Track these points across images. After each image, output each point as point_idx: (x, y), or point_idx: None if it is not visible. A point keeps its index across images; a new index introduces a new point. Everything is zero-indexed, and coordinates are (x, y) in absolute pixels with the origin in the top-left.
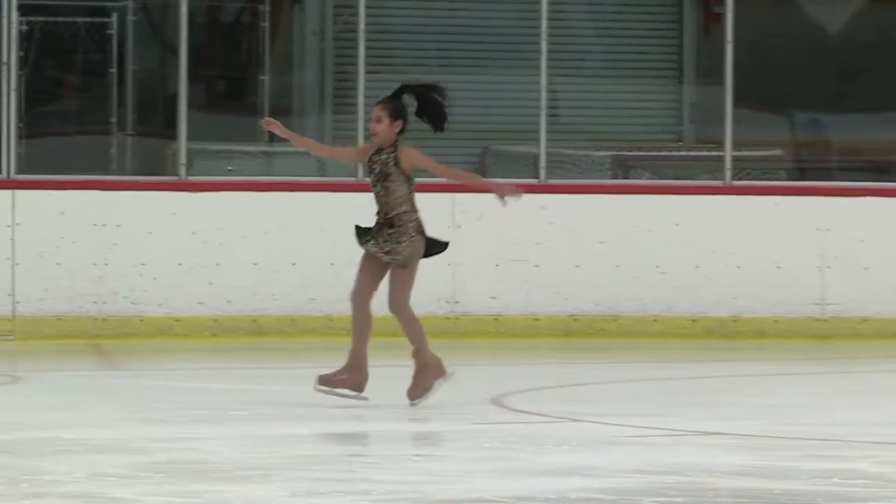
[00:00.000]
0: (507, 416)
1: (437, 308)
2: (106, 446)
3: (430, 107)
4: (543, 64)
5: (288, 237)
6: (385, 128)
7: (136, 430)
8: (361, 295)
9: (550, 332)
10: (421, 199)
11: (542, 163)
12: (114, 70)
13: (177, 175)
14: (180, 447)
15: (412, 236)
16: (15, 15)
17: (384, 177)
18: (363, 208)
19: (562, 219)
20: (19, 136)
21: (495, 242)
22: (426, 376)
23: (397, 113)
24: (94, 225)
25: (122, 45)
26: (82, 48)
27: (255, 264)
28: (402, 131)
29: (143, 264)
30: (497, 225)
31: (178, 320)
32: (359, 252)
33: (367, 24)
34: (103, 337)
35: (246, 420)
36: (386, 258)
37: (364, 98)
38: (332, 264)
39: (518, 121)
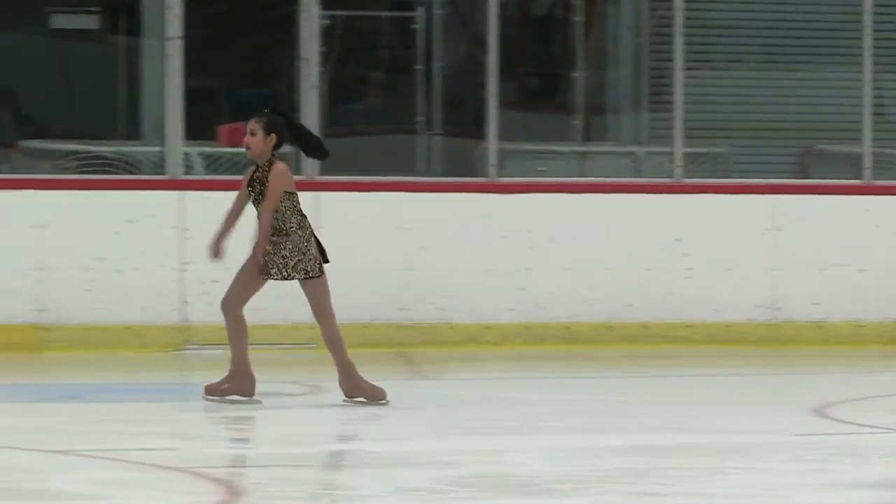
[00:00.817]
0: (829, 427)
1: (758, 314)
2: (412, 459)
3: (303, 136)
4: (867, 60)
5: (602, 240)
6: (259, 141)
7: (444, 443)
8: (233, 302)
9: (876, 339)
10: (739, 200)
11: (867, 163)
12: (420, 67)
13: (486, 176)
14: (489, 460)
15: (308, 244)
16: (317, 9)
17: (263, 194)
18: (681, 209)
19: (888, 221)
20: (321, 136)
21: (818, 246)
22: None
23: (272, 127)
24: (400, 228)
25: (428, 40)
26: (387, 44)
27: (568, 269)
28: (277, 146)
29: (451, 269)
30: (820, 228)
31: (487, 327)
32: (661, 258)
33: (685, 18)
34: (410, 345)
35: (557, 431)
36: (296, 275)
37: (682, 96)
38: (647, 269)
39: (841, 119)
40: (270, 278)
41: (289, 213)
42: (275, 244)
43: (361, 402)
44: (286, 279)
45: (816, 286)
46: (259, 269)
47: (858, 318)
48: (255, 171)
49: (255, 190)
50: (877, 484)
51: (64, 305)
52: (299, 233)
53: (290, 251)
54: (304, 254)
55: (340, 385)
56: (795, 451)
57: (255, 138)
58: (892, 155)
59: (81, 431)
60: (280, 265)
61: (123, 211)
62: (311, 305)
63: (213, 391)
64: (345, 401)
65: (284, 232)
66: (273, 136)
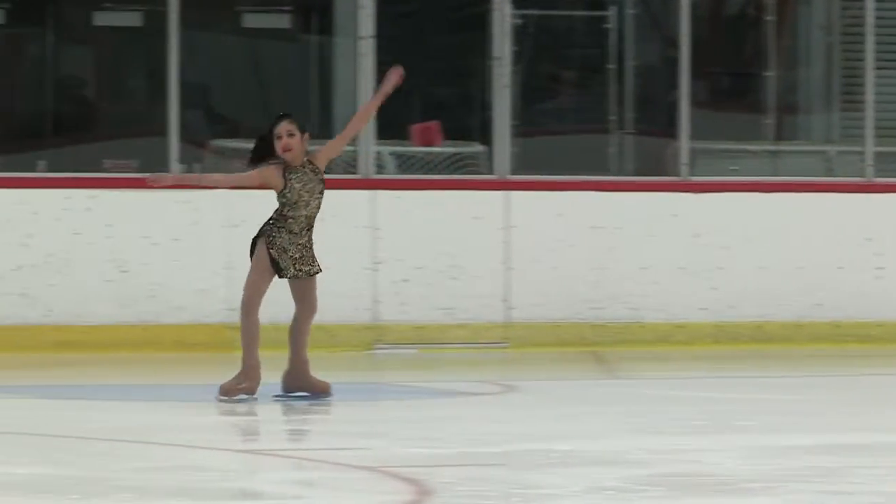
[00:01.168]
0: None
1: None
2: (603, 458)
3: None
4: None
5: (793, 239)
6: (299, 141)
7: (635, 442)
8: (253, 303)
9: None
10: None
11: None
12: (612, 66)
13: (678, 175)
14: (681, 459)
15: (311, 241)
16: (508, 8)
17: (313, 191)
18: (872, 208)
19: None
20: (513, 135)
21: None
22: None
23: (302, 126)
24: (592, 227)
25: (620, 39)
26: (579, 43)
27: (761, 268)
28: None
29: (642, 268)
30: None
31: (679, 327)
32: (852, 257)
33: (876, 17)
34: (601, 344)
35: (750, 430)
36: (303, 273)
37: (873, 95)
38: (838, 268)
39: None
40: (285, 277)
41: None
42: (297, 245)
43: (301, 396)
44: (295, 277)
45: None
46: (275, 270)
47: None
48: (289, 174)
49: (297, 190)
50: None
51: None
52: (310, 232)
53: (305, 250)
54: (308, 251)
55: (285, 378)
56: None
57: (295, 139)
58: None
59: (272, 431)
60: (291, 265)
61: None
62: (303, 299)
63: (231, 391)
64: (277, 397)
65: (309, 227)
66: (306, 134)
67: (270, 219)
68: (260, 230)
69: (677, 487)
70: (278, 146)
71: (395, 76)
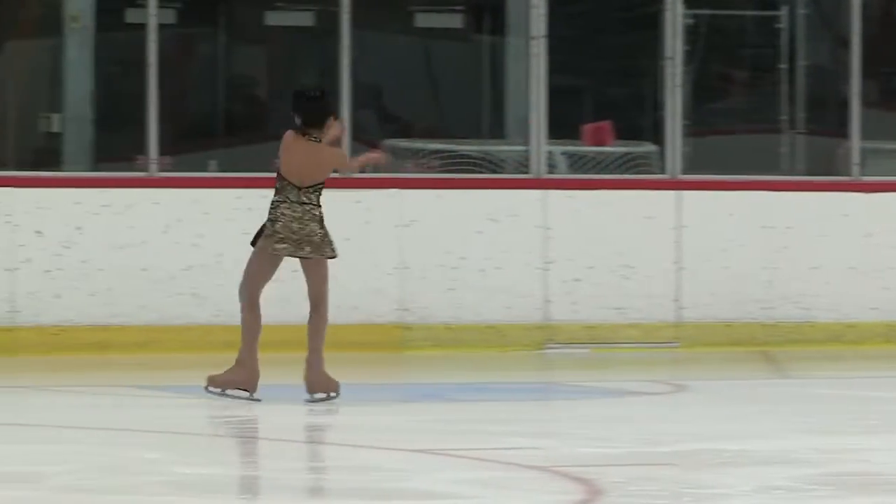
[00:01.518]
0: None
1: None
2: (773, 458)
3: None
4: None
5: None
6: None
7: (804, 441)
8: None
9: None
10: None
11: None
12: (784, 65)
13: (849, 175)
14: (850, 458)
15: None
16: (680, 8)
17: None
18: None
19: None
20: (685, 134)
21: None
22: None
23: None
24: (763, 227)
25: (792, 39)
26: (751, 43)
27: None
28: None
29: (814, 268)
30: None
31: (850, 326)
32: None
33: None
34: (772, 344)
35: None
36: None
37: None
38: None
39: None
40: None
41: None
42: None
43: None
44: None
45: None
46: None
47: None
48: None
49: None
50: None
51: (426, 304)
52: None
53: None
54: None
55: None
56: None
57: None
58: None
59: (443, 430)
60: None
61: (486, 210)
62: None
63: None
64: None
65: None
66: None
67: (316, 205)
68: (319, 230)
69: (846, 487)
70: (332, 133)
71: (378, 156)
